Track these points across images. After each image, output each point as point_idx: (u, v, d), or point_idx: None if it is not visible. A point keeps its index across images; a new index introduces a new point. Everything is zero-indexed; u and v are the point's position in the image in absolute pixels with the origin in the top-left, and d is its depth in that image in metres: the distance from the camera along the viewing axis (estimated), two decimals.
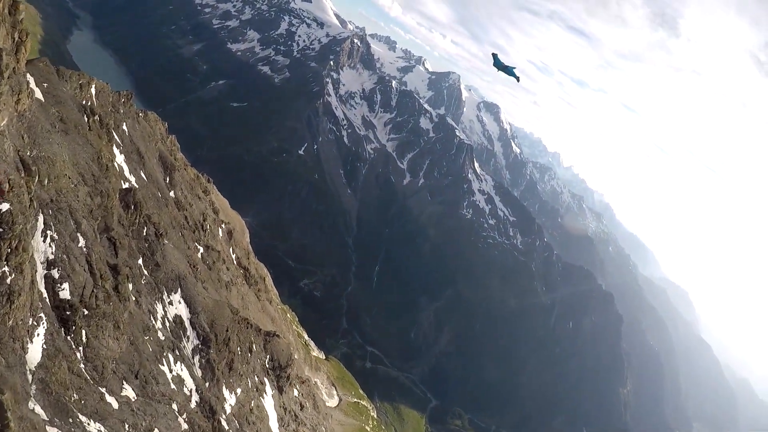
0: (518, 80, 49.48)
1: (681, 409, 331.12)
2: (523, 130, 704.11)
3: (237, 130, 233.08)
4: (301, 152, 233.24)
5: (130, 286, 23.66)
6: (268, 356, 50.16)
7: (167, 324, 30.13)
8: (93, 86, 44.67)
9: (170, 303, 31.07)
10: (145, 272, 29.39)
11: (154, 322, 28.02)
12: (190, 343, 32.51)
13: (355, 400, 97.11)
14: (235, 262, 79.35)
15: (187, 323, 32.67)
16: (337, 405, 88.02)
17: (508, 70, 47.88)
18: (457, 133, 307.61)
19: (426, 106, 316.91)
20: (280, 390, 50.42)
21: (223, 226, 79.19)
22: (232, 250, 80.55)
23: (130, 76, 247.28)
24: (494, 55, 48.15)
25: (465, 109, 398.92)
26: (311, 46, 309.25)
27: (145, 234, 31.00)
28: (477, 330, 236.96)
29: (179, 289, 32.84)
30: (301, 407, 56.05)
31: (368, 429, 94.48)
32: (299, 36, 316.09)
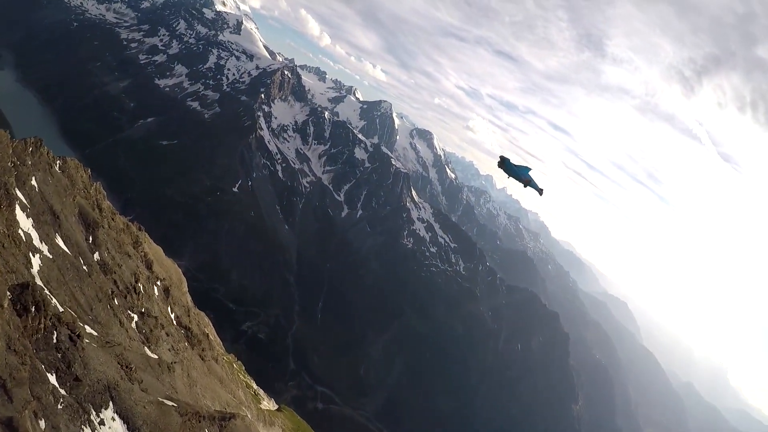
0: (541, 193, 34.79)
1: (632, 417, 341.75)
2: (455, 155, 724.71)
3: (168, 169, 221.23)
4: (235, 189, 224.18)
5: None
6: None
7: None
8: None
9: (101, 423, 25.04)
10: (62, 392, 23.40)
11: None
12: None
13: None
14: (174, 322, 72.38)
15: None
16: None
17: (523, 175, 33.52)
18: (393, 162, 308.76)
19: (360, 135, 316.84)
20: None
21: (158, 283, 71.88)
22: (171, 309, 73.34)
23: (54, 115, 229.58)
24: (503, 159, 33.18)
25: (398, 137, 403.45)
26: (241, 80, 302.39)
27: (55, 341, 24.94)
28: (428, 359, 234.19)
29: (111, 403, 26.83)
30: None
31: None
32: (228, 69, 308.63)
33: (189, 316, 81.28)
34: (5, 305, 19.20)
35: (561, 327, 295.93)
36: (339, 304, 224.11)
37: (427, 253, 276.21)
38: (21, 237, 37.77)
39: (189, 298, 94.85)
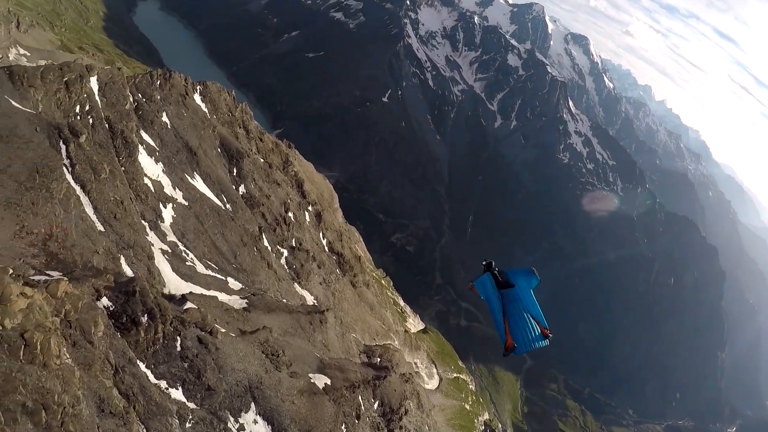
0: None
1: None
2: (611, 62, 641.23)
3: (315, 82, 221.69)
4: (385, 99, 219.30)
5: None
6: (377, 402, 39.12)
7: None
8: (94, 78, 31.75)
9: (241, 429, 19.80)
10: (192, 405, 18.13)
11: None
12: None
13: (455, 375, 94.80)
14: (326, 248, 69.41)
15: None
16: (438, 386, 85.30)
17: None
18: (549, 70, 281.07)
19: (512, 41, 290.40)
20: None
21: (310, 208, 68.57)
22: (323, 234, 70.40)
23: (199, 38, 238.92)
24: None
25: (552, 43, 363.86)
26: None
27: (180, 349, 19.16)
28: (574, 284, 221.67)
29: (252, 404, 21.67)
30: (406, 412, 45.82)
31: (467, 407, 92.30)
32: None
33: (341, 240, 77.30)
34: (99, 334, 13.19)
35: (718, 264, 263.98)
36: (489, 218, 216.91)
37: (584, 170, 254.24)
38: (149, 188, 33.51)
39: (340, 214, 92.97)
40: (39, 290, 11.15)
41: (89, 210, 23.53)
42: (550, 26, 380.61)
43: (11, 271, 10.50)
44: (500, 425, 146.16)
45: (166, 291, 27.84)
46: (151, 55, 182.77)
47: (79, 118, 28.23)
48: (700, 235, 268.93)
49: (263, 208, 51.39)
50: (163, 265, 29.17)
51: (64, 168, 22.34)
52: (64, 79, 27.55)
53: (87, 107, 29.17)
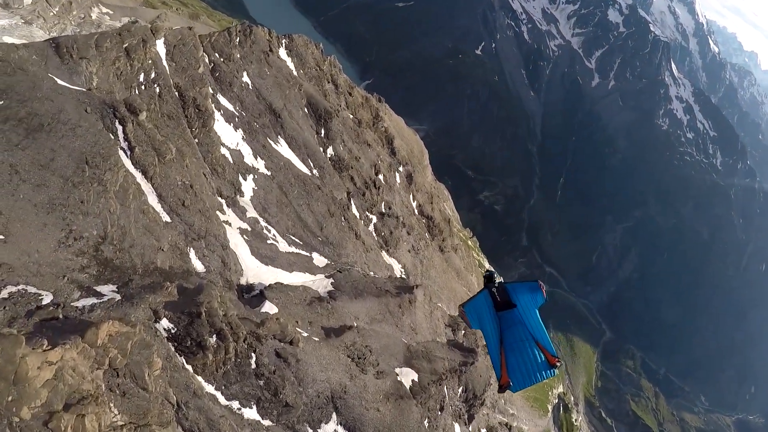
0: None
1: None
2: (716, 24, 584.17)
3: (405, 32, 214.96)
4: (478, 52, 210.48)
5: None
6: (461, 389, 36.66)
7: None
8: (160, 41, 27.56)
9: None
10: (266, 423, 16.68)
11: None
12: None
13: None
14: (416, 211, 66.16)
15: None
16: None
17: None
18: (651, 28, 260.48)
19: None
20: (469, 419, 37.97)
21: (401, 169, 64.79)
22: (413, 197, 66.91)
23: None
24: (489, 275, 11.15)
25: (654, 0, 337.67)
26: None
27: (254, 366, 17.26)
28: (663, 260, 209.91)
29: (334, 414, 20.35)
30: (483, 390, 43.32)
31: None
32: None
33: (432, 202, 73.52)
34: (155, 373, 11.54)
35: None
36: (580, 182, 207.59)
37: (683, 139, 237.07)
38: (226, 159, 29.44)
39: (430, 171, 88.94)
40: (72, 345, 8.88)
41: (152, 199, 20.35)
42: None
43: (23, 341, 7.89)
44: (572, 398, 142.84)
45: (243, 281, 24.95)
46: (236, 7, 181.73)
47: (144, 88, 24.73)
48: None
49: (352, 171, 48.10)
50: (241, 248, 26.23)
51: (120, 153, 19.04)
52: (124, 46, 23.82)
53: (152, 75, 25.52)
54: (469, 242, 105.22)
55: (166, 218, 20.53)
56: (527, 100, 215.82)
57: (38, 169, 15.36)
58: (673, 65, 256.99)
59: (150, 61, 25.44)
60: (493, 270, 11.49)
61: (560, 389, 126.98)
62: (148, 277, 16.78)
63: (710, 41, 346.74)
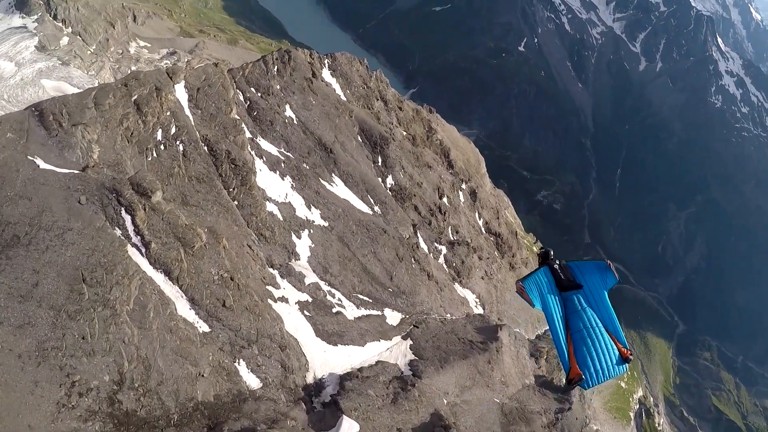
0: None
1: None
2: None
3: (445, 36, 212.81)
4: (521, 48, 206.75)
5: None
6: None
7: None
8: (180, 85, 23.73)
9: None
10: None
11: None
12: None
13: None
14: (483, 229, 64.82)
15: None
16: None
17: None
18: (692, 4, 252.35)
19: None
20: None
21: (463, 186, 63.20)
22: (478, 214, 65.30)
23: (322, 3, 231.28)
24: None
25: None
26: None
27: None
28: (731, 244, 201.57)
29: None
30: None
31: (623, 385, 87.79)
32: None
33: (498, 218, 71.94)
34: None
35: None
36: (638, 171, 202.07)
37: (738, 114, 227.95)
38: (275, 218, 25.31)
39: (488, 180, 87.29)
40: None
41: (182, 308, 16.20)
42: None
43: None
44: (652, 399, 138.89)
45: (309, 377, 21.07)
46: (275, 28, 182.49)
47: (164, 148, 20.63)
48: None
49: (415, 200, 45.65)
50: (302, 332, 22.51)
51: (131, 254, 14.87)
52: (133, 98, 19.84)
53: (173, 130, 21.29)
54: (534, 248, 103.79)
55: (203, 328, 16.75)
56: (575, 93, 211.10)
57: (17, 303, 11.83)
58: (719, 39, 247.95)
59: (168, 113, 21.69)
60: (548, 248, 10.55)
61: (640, 393, 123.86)
62: (187, 426, 13.39)
63: (751, 9, 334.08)
